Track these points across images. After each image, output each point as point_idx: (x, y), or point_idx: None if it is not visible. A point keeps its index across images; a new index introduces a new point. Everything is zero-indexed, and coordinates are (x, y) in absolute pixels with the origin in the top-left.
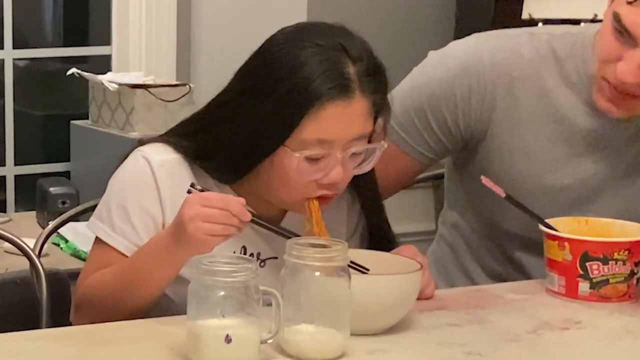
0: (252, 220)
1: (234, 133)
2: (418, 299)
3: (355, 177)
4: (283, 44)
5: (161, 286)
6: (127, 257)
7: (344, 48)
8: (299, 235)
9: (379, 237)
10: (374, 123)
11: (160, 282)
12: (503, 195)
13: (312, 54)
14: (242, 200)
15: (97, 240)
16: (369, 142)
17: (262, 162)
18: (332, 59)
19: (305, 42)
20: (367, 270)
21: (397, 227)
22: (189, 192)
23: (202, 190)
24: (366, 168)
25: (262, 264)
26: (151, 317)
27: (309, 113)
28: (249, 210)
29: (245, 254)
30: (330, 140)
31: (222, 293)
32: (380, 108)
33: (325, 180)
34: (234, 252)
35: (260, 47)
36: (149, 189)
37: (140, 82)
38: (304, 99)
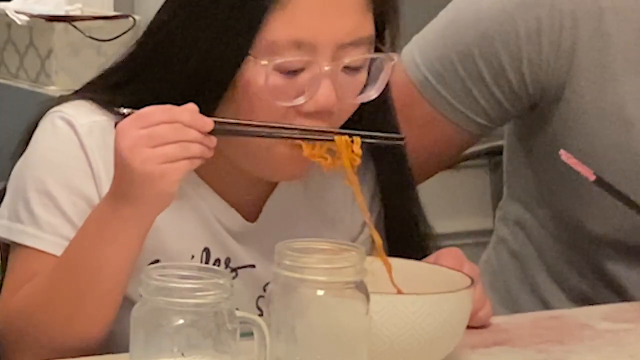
0: (216, 131)
1: (183, 63)
2: (468, 327)
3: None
4: None
5: (122, 273)
6: None
7: None
8: None
9: (407, 240)
10: (377, 30)
11: (119, 269)
12: (592, 178)
13: None
14: (191, 105)
15: (16, 248)
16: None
17: (225, 93)
18: None
19: None
20: None
21: (436, 224)
22: (115, 125)
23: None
24: (372, 94)
25: (234, 274)
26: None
27: (277, 2)
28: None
29: (208, 259)
30: (311, 42)
31: (181, 321)
32: (381, 5)
33: (311, 105)
34: (192, 257)
35: None
36: (77, 162)
37: (61, 12)
38: None
